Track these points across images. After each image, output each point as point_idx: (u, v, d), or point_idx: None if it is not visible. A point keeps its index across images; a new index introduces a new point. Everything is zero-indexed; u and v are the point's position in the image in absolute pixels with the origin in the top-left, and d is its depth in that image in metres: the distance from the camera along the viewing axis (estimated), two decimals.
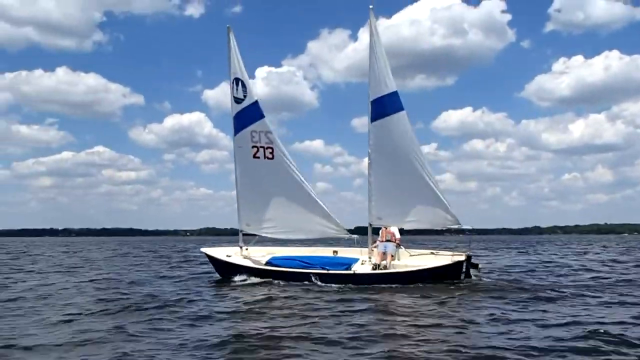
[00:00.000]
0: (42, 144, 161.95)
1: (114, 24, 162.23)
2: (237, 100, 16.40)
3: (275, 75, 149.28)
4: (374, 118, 15.97)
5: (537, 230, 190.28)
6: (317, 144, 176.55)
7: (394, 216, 16.24)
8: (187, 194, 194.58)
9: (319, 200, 16.57)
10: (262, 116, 16.28)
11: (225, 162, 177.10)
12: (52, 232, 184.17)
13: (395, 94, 15.72)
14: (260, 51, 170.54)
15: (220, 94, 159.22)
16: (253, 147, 16.36)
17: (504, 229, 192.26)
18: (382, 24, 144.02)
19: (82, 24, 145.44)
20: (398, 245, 16.04)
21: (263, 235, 16.98)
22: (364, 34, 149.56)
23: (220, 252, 17.22)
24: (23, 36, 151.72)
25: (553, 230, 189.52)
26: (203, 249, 18.16)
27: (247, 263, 16.34)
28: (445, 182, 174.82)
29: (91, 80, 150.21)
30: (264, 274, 15.76)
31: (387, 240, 15.96)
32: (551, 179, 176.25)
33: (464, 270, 15.19)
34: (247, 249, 17.00)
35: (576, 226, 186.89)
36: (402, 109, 15.77)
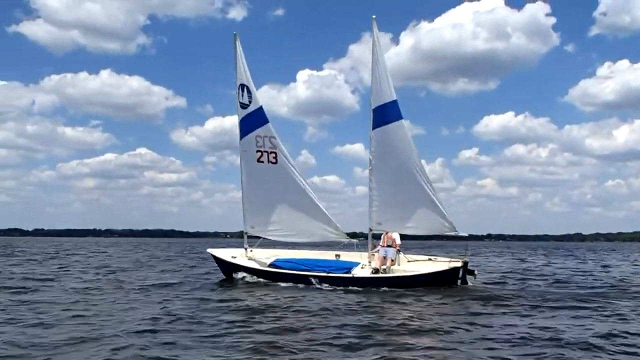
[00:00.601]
0: (86, 146, 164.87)
1: (157, 27, 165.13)
2: (243, 106, 16.93)
3: (316, 79, 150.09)
4: (375, 125, 16.28)
5: (579, 237, 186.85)
6: (357, 148, 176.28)
7: (393, 222, 16.48)
8: (228, 197, 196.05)
9: (320, 205, 16.95)
10: (266, 121, 16.78)
11: None
12: (96, 233, 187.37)
13: (395, 103, 16.03)
14: (302, 54, 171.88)
15: (262, 98, 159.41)
16: (257, 151, 16.85)
17: (545, 235, 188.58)
18: (424, 27, 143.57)
19: (126, 28, 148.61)
20: (398, 251, 16.27)
21: (267, 237, 17.41)
22: (405, 37, 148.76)
23: (226, 253, 17.75)
24: (69, 39, 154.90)
25: (595, 237, 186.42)
26: (209, 250, 18.73)
27: (251, 264, 16.82)
28: (486, 188, 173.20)
29: (135, 82, 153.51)
30: (266, 275, 16.21)
31: (388, 246, 16.21)
32: (594, 185, 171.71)
33: (460, 276, 15.37)
34: (251, 251, 17.46)
35: (619, 233, 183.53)
36: (401, 117, 16.05)
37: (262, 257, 17.13)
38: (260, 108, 16.82)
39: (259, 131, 16.77)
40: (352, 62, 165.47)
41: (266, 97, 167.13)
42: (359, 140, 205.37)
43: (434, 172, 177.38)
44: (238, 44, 16.91)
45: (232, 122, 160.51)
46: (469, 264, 15.73)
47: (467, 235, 16.76)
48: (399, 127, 16.06)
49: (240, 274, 16.66)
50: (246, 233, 17.55)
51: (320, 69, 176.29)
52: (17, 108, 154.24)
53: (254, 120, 16.82)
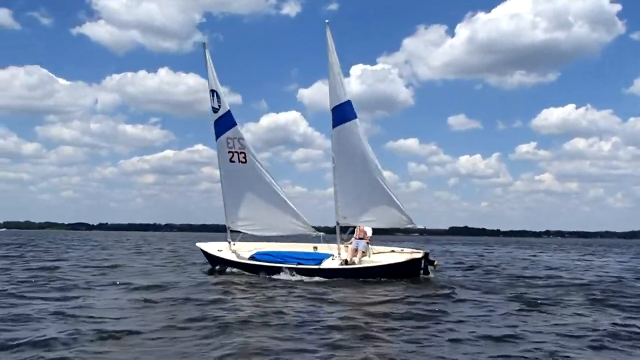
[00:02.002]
0: (146, 143, 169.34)
1: (212, 24, 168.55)
2: (214, 110, 18.10)
3: (370, 73, 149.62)
4: (335, 124, 17.12)
5: None
6: (411, 143, 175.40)
7: (355, 216, 17.33)
8: (282, 192, 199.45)
9: (288, 201, 17.98)
10: (234, 124, 17.90)
11: (319, 160, 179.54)
12: (156, 227, 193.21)
13: (349, 103, 16.85)
14: (355, 49, 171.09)
15: (315, 93, 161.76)
16: (229, 152, 18.00)
17: (606, 232, 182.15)
18: (481, 18, 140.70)
19: (182, 26, 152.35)
20: (368, 243, 17.11)
21: (244, 232, 18.56)
22: (461, 29, 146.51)
23: (212, 247, 19.00)
24: (129, 39, 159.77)
25: None
26: (198, 244, 20.05)
27: (232, 257, 18.04)
28: (544, 183, 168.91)
29: (191, 80, 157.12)
30: (245, 267, 17.41)
31: (360, 238, 17.08)
32: None
33: (422, 267, 16.10)
34: (234, 244, 18.65)
35: None
36: (356, 116, 16.87)
37: (244, 250, 18.28)
38: (229, 112, 17.93)
39: (229, 133, 17.91)
40: (406, 55, 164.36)
41: (319, 93, 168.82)
42: (413, 135, 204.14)
43: (490, 166, 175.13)
44: (207, 52, 18.08)
45: (286, 118, 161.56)
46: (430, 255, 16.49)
47: (423, 227, 17.43)
48: (354, 125, 16.89)
49: (222, 267, 17.91)
50: (228, 228, 18.73)
51: (373, 63, 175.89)
52: (82, 107, 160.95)
53: (223, 123, 17.96)
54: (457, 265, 22.85)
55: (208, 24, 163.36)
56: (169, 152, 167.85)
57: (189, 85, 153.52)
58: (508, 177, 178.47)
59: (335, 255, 17.04)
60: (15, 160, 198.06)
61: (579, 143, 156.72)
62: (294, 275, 16.25)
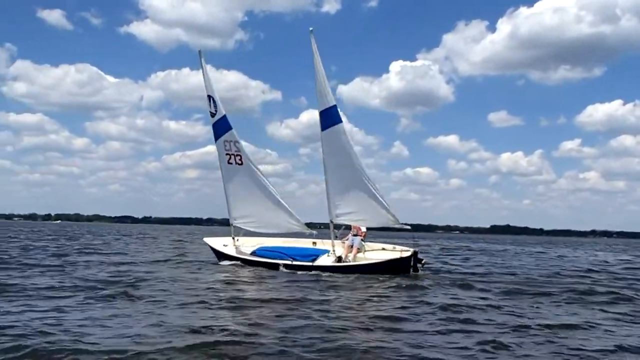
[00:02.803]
0: (188, 139, 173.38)
1: (254, 23, 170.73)
2: (212, 114, 19.02)
3: (409, 69, 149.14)
4: (323, 128, 17.78)
5: None
6: (451, 140, 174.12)
7: (347, 215, 17.96)
8: (321, 188, 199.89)
9: (282, 201, 18.78)
10: (230, 128, 18.77)
11: (359, 157, 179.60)
12: (197, 221, 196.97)
13: (335, 107, 17.55)
14: (395, 45, 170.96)
15: (354, 90, 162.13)
16: (227, 154, 18.89)
17: None
18: (523, 13, 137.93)
19: (225, 24, 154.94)
20: (363, 239, 17.71)
21: (246, 228, 19.42)
22: (503, 24, 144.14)
23: (218, 242, 19.95)
24: (173, 37, 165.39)
25: None
26: (205, 239, 21.05)
27: (235, 252, 18.93)
28: (589, 181, 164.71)
29: (233, 77, 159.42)
30: (245, 262, 18.29)
31: (355, 235, 17.71)
32: None
33: (411, 264, 16.66)
34: (238, 240, 19.52)
35: None
36: (341, 121, 17.57)
37: (247, 246, 19.16)
38: (224, 116, 18.82)
39: (225, 136, 18.80)
40: (446, 51, 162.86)
41: (358, 89, 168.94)
42: (453, 132, 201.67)
43: (532, 164, 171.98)
44: (203, 60, 19.02)
45: None
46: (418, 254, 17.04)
47: (409, 227, 17.95)
48: (341, 129, 17.55)
49: (227, 262, 18.76)
50: (232, 224, 19.61)
51: (413, 59, 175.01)
52: (129, 103, 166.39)
53: (221, 126, 18.84)
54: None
55: (250, 22, 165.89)
56: (210, 148, 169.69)
57: (230, 82, 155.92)
58: (551, 174, 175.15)
59: (331, 252, 17.70)
60: (66, 154, 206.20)
61: (627, 140, 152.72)
62: (284, 269, 17.01)
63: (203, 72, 19.02)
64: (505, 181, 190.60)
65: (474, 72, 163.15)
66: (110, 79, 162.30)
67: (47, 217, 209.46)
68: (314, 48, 17.49)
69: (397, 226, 17.67)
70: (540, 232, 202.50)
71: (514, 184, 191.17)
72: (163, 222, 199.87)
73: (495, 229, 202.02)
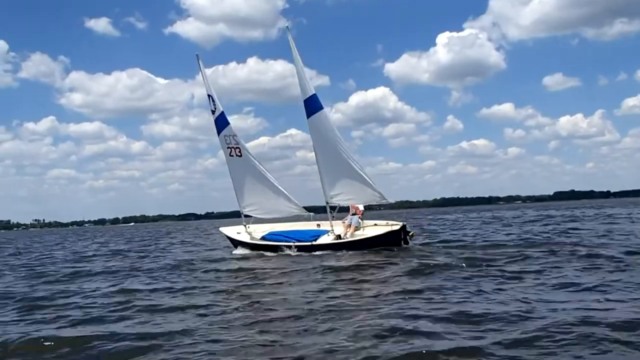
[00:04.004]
0: (241, 132, 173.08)
1: (296, 9, 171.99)
2: (212, 112, 20.74)
3: (457, 40, 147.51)
4: (308, 115, 19.11)
5: None
6: (506, 108, 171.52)
7: (339, 195, 19.34)
8: (377, 169, 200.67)
9: (280, 187, 20.30)
10: (227, 123, 20.44)
11: (412, 134, 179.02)
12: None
13: (315, 95, 18.95)
14: (440, 17, 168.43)
15: (402, 66, 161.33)
16: (227, 147, 20.57)
17: None
18: None
19: (267, 14, 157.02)
20: (361, 218, 19.10)
21: (253, 215, 21.02)
22: None
23: (232, 230, 21.62)
24: (217, 33, 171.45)
25: None
26: (220, 228, 22.83)
27: (246, 238, 20.57)
28: None
29: (279, 66, 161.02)
30: (254, 247, 19.92)
31: (354, 214, 19.13)
32: None
33: (402, 237, 17.97)
34: (249, 227, 21.09)
35: None
36: (322, 107, 18.94)
37: (258, 232, 20.68)
38: (222, 113, 20.48)
39: (225, 131, 20.46)
40: (493, 17, 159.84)
41: (405, 65, 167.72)
42: (507, 100, 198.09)
43: (593, 125, 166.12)
44: (200, 62, 20.76)
45: (374, 94, 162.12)
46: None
47: (394, 202, 19.15)
48: (323, 115, 18.93)
49: (240, 249, 20.38)
50: (242, 212, 21.23)
51: (460, 29, 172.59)
52: (181, 103, 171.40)
53: (220, 122, 20.53)
54: None
55: (291, 10, 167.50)
56: (263, 139, 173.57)
57: (277, 71, 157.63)
58: (615, 134, 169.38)
59: (330, 232, 19.14)
60: (126, 158, 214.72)
61: None
62: (294, 251, 18.54)
63: (202, 74, 20.78)
64: (566, 145, 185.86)
65: (524, 36, 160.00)
66: (161, 80, 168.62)
67: (115, 220, 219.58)
68: (291, 44, 18.92)
69: (383, 202, 18.91)
70: (607, 194, 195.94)
71: (576, 147, 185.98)
72: (225, 216, 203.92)
73: (558, 196, 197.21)
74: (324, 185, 19.48)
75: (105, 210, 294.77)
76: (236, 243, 20.78)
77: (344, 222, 19.07)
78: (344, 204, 19.33)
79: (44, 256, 26.27)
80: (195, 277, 14.11)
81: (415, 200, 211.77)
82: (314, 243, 18.80)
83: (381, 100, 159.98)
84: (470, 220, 43.71)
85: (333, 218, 19.42)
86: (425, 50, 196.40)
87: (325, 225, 19.72)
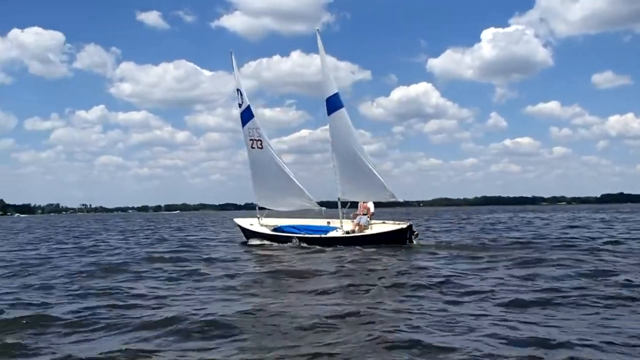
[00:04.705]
0: (283, 125, 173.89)
1: (340, 4, 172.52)
2: (239, 105, 21.77)
3: (502, 36, 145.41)
4: (329, 112, 19.90)
5: None
6: (552, 106, 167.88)
7: (352, 192, 20.05)
8: (417, 165, 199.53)
9: (295, 181, 21.14)
10: (252, 116, 21.38)
11: (454, 131, 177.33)
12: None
13: (337, 94, 19.73)
14: (486, 12, 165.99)
15: (445, 62, 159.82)
16: (250, 140, 21.52)
17: None
18: None
19: (311, 8, 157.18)
20: (370, 218, 19.83)
21: (267, 207, 21.90)
22: None
23: (246, 222, 22.62)
24: (262, 26, 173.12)
25: None
26: (235, 219, 23.83)
27: (259, 230, 21.46)
28: None
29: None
30: (267, 238, 20.75)
31: (364, 214, 19.86)
32: None
33: (407, 236, 18.64)
34: (262, 219, 21.97)
35: None
36: (343, 106, 19.66)
37: (270, 224, 21.57)
38: (248, 106, 21.45)
39: (249, 124, 21.42)
40: (540, 12, 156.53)
41: (449, 61, 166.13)
42: (553, 98, 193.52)
43: None
44: (233, 58, 21.93)
45: (417, 90, 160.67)
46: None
47: (402, 200, 19.81)
48: (343, 113, 19.66)
49: (254, 240, 21.27)
50: (257, 205, 22.18)
51: (506, 25, 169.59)
52: (225, 95, 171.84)
53: (246, 115, 21.50)
54: None
55: (336, 4, 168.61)
56: (304, 132, 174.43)
57: (319, 65, 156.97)
58: None
59: (339, 228, 19.92)
60: (170, 148, 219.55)
61: None
62: (297, 242, 19.39)
63: (234, 70, 21.99)
64: (616, 146, 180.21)
65: (573, 32, 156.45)
66: (206, 72, 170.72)
67: (158, 208, 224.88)
68: (319, 45, 19.91)
69: (392, 200, 19.57)
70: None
71: (626, 148, 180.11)
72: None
73: (606, 198, 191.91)
74: (338, 180, 20.20)
75: (148, 198, 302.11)
76: (248, 234, 21.64)
77: (353, 221, 19.76)
78: (355, 200, 20.02)
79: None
80: None
81: (455, 197, 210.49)
82: (323, 236, 19.61)
83: (423, 96, 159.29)
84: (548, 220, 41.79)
85: (344, 215, 20.13)
86: (469, 45, 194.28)
87: (335, 222, 20.35)
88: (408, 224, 18.81)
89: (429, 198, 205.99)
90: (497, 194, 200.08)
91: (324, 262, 14.50)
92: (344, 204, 20.23)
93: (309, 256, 16.23)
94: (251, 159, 21.86)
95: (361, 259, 15.25)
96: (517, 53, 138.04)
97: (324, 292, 9.85)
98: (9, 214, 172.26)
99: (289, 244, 19.47)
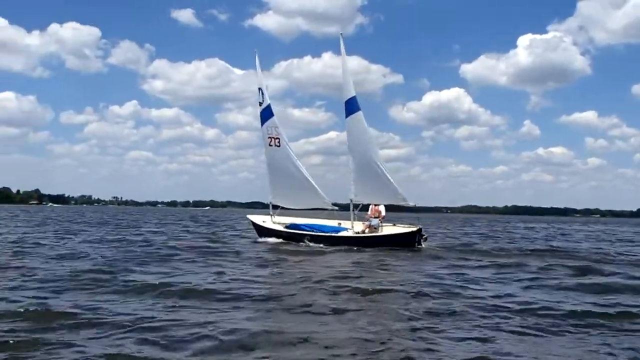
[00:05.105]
0: (312, 125, 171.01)
1: (374, 6, 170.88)
2: (260, 103, 22.28)
3: (539, 43, 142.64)
4: (347, 115, 20.31)
5: None
6: (588, 116, 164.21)
7: (364, 194, 20.38)
8: (447, 171, 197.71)
9: (310, 180, 21.54)
10: (272, 115, 21.89)
11: (485, 138, 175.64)
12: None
13: (355, 97, 20.13)
14: (523, 18, 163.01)
15: (479, 68, 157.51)
16: (268, 137, 22.01)
17: None
18: None
19: (345, 10, 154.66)
20: (381, 221, 20.12)
21: (281, 205, 22.22)
22: None
23: (259, 219, 23.03)
24: (294, 27, 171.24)
25: None
26: (248, 216, 24.38)
27: (271, 227, 21.89)
28: None
29: (354, 63, 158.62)
30: (279, 235, 21.17)
31: (376, 217, 20.17)
32: None
33: (416, 239, 18.92)
34: (274, 217, 22.39)
35: None
36: (360, 109, 20.06)
37: (282, 222, 21.93)
38: (269, 105, 21.96)
39: (268, 122, 21.92)
40: (580, 20, 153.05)
41: (483, 67, 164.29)
42: (590, 108, 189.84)
43: None
44: (257, 58, 22.58)
45: (449, 95, 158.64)
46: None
47: (414, 204, 20.05)
48: (360, 116, 20.06)
49: (266, 237, 21.66)
50: (270, 203, 22.53)
51: (543, 31, 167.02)
52: (255, 94, 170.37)
53: (266, 114, 22.02)
54: None
55: (369, 6, 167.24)
56: (332, 134, 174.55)
57: (351, 67, 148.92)
58: None
59: (350, 229, 20.24)
60: (200, 145, 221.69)
61: None
62: (308, 241, 19.80)
63: (257, 69, 22.64)
64: None
65: (614, 41, 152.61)
66: (237, 71, 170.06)
67: (186, 204, 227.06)
68: (342, 49, 20.48)
69: (403, 203, 19.88)
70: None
71: None
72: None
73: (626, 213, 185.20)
74: (351, 182, 20.54)
75: (177, 193, 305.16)
76: (261, 231, 22.08)
77: (364, 223, 20.06)
78: (367, 202, 20.32)
79: None
80: None
81: (484, 205, 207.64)
82: (334, 235, 20.02)
83: (455, 101, 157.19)
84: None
85: (355, 216, 20.44)
86: (504, 52, 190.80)
87: (346, 224, 20.63)
88: (418, 227, 19.07)
89: (458, 205, 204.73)
90: (527, 204, 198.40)
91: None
92: (356, 206, 20.56)
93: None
94: (268, 156, 22.32)
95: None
96: (554, 60, 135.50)
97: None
98: (44, 203, 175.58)
99: (302, 243, 19.86)
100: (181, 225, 38.06)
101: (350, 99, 20.14)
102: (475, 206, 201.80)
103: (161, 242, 21.01)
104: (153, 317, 7.47)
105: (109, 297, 8.98)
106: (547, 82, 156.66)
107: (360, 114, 20.08)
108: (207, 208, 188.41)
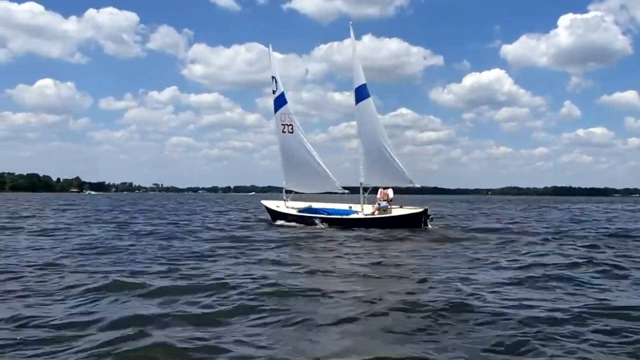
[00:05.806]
0: (352, 109, 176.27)
1: None
2: (273, 91, 23.00)
3: (580, 23, 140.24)
4: (357, 101, 20.89)
5: None
6: (630, 96, 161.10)
7: (373, 177, 21.02)
8: (487, 153, 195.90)
9: (322, 164, 22.22)
10: (285, 102, 22.60)
11: (525, 119, 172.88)
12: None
13: (365, 85, 20.76)
14: None
15: (519, 49, 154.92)
16: (282, 124, 22.74)
17: None
18: None
19: None
20: (390, 203, 20.77)
21: (294, 190, 23.06)
22: None
23: (272, 204, 23.90)
24: (334, 9, 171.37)
25: None
26: (262, 201, 25.26)
27: (285, 211, 22.67)
28: None
29: (394, 45, 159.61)
30: (292, 219, 21.89)
31: (384, 200, 20.79)
32: None
33: (423, 220, 19.53)
34: (288, 202, 23.21)
35: None
36: (369, 96, 20.64)
37: (295, 207, 22.78)
38: (282, 93, 22.68)
39: (282, 109, 22.65)
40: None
41: (523, 48, 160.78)
42: (632, 87, 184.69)
43: None
44: (270, 47, 23.57)
45: (489, 77, 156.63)
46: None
47: (420, 186, 20.64)
48: (369, 102, 20.64)
49: (280, 221, 22.40)
50: (284, 188, 23.36)
51: (584, 11, 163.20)
52: (294, 78, 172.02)
53: (279, 101, 22.74)
54: None
55: None
56: None
57: (391, 50, 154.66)
58: None
59: (359, 211, 20.95)
60: (240, 130, 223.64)
61: None
62: (320, 223, 20.53)
63: (270, 58, 23.44)
64: None
65: None
66: (277, 55, 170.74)
67: (227, 189, 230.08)
68: (352, 37, 21.11)
69: (410, 185, 20.54)
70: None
71: None
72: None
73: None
74: (361, 166, 21.13)
75: (218, 179, 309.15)
76: (275, 215, 22.87)
77: (374, 205, 20.74)
78: (377, 185, 20.91)
79: None
80: None
81: (524, 187, 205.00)
82: (345, 217, 20.76)
83: (495, 83, 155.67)
84: None
85: (365, 200, 21.07)
86: (545, 32, 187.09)
87: (356, 207, 21.39)
88: (424, 208, 19.69)
89: (498, 186, 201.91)
90: (567, 184, 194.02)
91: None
92: (365, 190, 21.16)
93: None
94: (281, 142, 23.04)
95: None
96: (595, 41, 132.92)
97: None
98: (84, 191, 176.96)
99: (315, 225, 20.50)
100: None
101: (361, 86, 20.80)
102: (516, 187, 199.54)
103: None
104: None
105: None
106: (588, 63, 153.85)
107: (370, 100, 20.69)
108: (252, 193, 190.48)
